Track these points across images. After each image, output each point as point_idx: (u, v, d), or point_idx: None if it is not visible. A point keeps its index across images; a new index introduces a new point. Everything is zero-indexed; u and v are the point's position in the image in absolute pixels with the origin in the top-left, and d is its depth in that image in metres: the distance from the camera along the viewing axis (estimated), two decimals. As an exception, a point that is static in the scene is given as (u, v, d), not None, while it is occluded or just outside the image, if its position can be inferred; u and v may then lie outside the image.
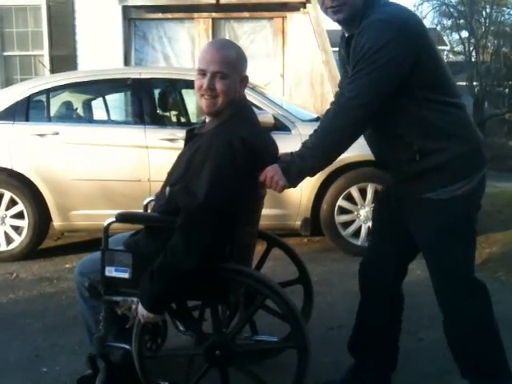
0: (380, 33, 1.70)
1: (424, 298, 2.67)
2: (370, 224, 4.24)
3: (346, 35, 1.89)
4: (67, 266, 4.19)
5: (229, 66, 1.90)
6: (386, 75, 1.72)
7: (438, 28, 17.84)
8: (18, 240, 4.36)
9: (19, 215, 4.35)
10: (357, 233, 4.37)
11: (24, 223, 4.35)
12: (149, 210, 2.39)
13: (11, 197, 4.33)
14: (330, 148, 1.82)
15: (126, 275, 1.94)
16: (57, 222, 4.38)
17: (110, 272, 1.95)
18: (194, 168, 1.86)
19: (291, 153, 1.89)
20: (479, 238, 4.78)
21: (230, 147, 1.80)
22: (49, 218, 4.39)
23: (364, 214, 4.32)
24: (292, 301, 1.92)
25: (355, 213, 4.35)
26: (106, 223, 1.98)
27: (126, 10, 7.75)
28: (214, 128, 1.92)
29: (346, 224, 4.37)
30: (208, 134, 1.92)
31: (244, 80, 1.99)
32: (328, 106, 2.14)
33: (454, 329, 1.96)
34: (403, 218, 1.98)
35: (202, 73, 1.90)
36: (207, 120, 2.02)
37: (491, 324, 1.95)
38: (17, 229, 4.38)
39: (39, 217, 4.35)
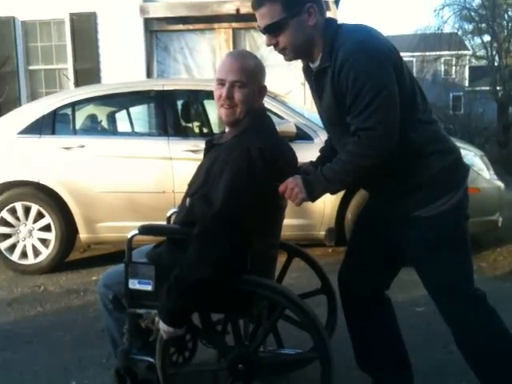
0: (368, 63, 1.67)
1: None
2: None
3: (314, 67, 1.86)
4: (94, 278, 4.22)
5: (247, 75, 1.92)
6: (394, 100, 1.70)
7: (460, 33, 17.66)
8: (45, 253, 4.42)
9: (46, 228, 4.41)
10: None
11: (51, 236, 4.41)
12: (172, 222, 2.40)
13: (38, 210, 4.39)
14: (358, 176, 1.79)
15: (149, 288, 1.95)
16: (83, 235, 4.43)
17: (134, 284, 1.96)
18: (213, 178, 1.87)
19: (318, 169, 1.85)
20: (507, 246, 4.72)
21: (248, 157, 1.81)
22: (75, 231, 4.44)
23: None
24: (312, 311, 1.90)
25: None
26: (129, 236, 1.99)
27: (148, 22, 7.86)
28: (233, 138, 1.93)
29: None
30: (226, 145, 1.93)
31: (263, 90, 2.00)
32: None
33: (467, 346, 1.91)
34: (387, 236, 1.95)
35: (221, 82, 1.92)
36: (226, 130, 2.03)
37: (504, 335, 1.88)
38: (44, 241, 4.44)
39: (66, 229, 4.41)
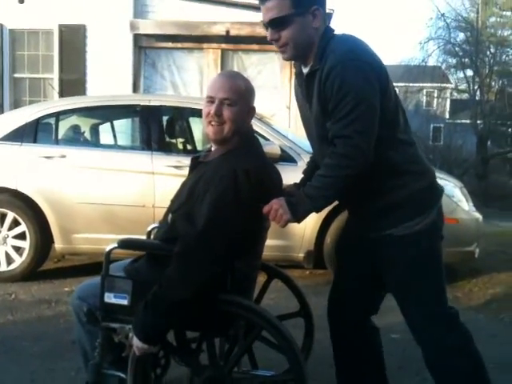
0: (355, 72, 1.69)
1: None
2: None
3: (304, 71, 1.88)
4: (66, 289, 4.15)
5: (237, 94, 1.92)
6: (375, 111, 1.72)
7: (443, 66, 18.06)
8: (18, 261, 4.34)
9: (21, 236, 4.34)
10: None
11: (25, 244, 4.33)
12: (152, 237, 2.38)
13: (14, 217, 4.32)
14: (339, 191, 1.80)
15: (125, 302, 1.91)
16: (58, 245, 4.37)
17: (110, 298, 1.92)
18: (197, 196, 1.86)
19: (300, 190, 1.86)
20: (483, 277, 4.77)
21: (234, 178, 1.80)
22: (50, 240, 4.38)
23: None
24: (289, 333, 1.88)
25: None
26: (107, 249, 1.97)
27: (137, 37, 7.89)
28: (219, 157, 1.93)
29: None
30: (213, 163, 1.92)
31: (251, 111, 2.01)
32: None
33: (439, 367, 1.91)
34: (366, 256, 1.97)
35: (211, 100, 1.93)
36: (213, 148, 2.03)
37: (474, 357, 1.89)
38: (18, 249, 4.36)
39: (41, 238, 4.34)
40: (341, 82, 1.70)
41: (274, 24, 1.79)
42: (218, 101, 1.91)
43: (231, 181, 1.80)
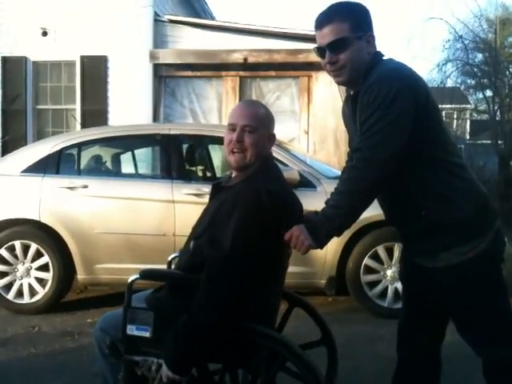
0: (389, 88, 1.73)
1: (455, 363, 2.57)
2: (396, 285, 4.16)
3: (351, 93, 1.93)
4: (89, 320, 4.16)
5: (257, 121, 1.96)
6: (398, 129, 1.73)
7: (462, 87, 17.98)
8: (41, 292, 4.37)
9: (44, 267, 4.37)
10: (383, 293, 4.26)
11: (48, 275, 4.36)
12: (172, 267, 2.38)
13: (37, 248, 4.36)
14: (354, 206, 1.80)
15: (147, 334, 1.90)
16: (81, 275, 4.39)
17: (132, 330, 1.91)
18: (220, 220, 1.86)
19: (316, 212, 1.87)
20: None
21: (257, 200, 1.82)
22: (73, 271, 4.40)
23: (391, 274, 4.23)
24: (314, 363, 1.85)
25: (382, 273, 4.26)
26: (129, 280, 1.97)
27: (157, 67, 8.03)
28: (241, 182, 1.94)
29: (373, 284, 4.27)
30: (235, 188, 1.94)
31: (271, 137, 2.04)
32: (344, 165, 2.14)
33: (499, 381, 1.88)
34: (424, 285, 1.94)
35: (232, 127, 1.96)
36: (233, 175, 2.04)
37: None
38: (41, 281, 4.39)
39: (64, 269, 4.36)
40: (373, 98, 1.74)
41: (334, 46, 1.83)
42: (240, 128, 1.94)
43: (255, 201, 1.82)
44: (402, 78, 1.77)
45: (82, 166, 4.69)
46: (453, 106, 18.34)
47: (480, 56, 15.57)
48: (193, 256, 1.95)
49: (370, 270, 4.26)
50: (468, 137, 23.81)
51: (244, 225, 1.79)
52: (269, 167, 2.00)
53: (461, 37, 14.53)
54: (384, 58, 1.90)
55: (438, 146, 1.82)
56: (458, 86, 17.31)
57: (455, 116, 20.39)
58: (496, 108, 14.98)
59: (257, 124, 1.95)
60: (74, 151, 4.62)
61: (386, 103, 1.72)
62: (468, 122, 22.26)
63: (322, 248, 1.86)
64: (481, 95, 17.29)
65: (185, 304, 1.80)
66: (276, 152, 4.22)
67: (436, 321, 2.03)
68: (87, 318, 4.24)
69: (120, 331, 1.93)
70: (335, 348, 2.33)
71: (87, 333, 3.79)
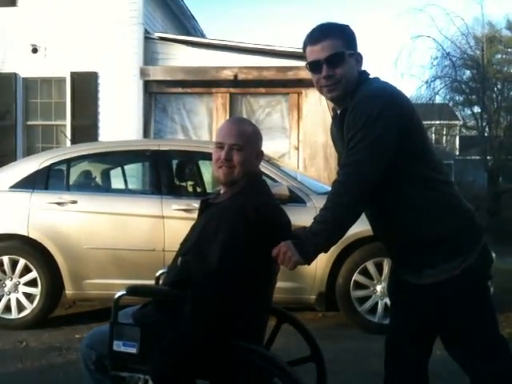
0: (373, 107, 1.76)
1: (443, 380, 2.56)
2: (386, 300, 4.16)
3: (338, 112, 1.96)
4: (77, 336, 4.12)
5: (245, 139, 1.98)
6: (382, 146, 1.76)
7: (451, 104, 18.17)
8: (29, 308, 4.33)
9: (32, 283, 4.34)
10: (373, 309, 4.26)
11: (36, 291, 4.33)
12: (161, 282, 2.37)
13: (25, 264, 4.33)
14: (340, 220, 1.82)
15: (133, 350, 1.89)
16: (69, 291, 4.36)
17: (118, 347, 1.91)
18: (207, 236, 1.87)
19: (304, 228, 1.88)
20: (499, 316, 4.65)
21: (244, 216, 1.83)
22: (61, 286, 4.37)
23: (380, 290, 4.23)
24: (302, 380, 1.84)
25: (371, 288, 4.26)
26: (116, 296, 1.96)
27: (148, 84, 8.07)
28: (229, 198, 1.95)
29: (362, 299, 4.27)
30: (222, 204, 1.95)
31: (259, 155, 2.06)
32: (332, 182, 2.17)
33: None
34: (410, 300, 1.95)
35: (220, 146, 1.98)
36: (222, 191, 2.05)
37: None
38: (29, 296, 4.36)
39: (52, 285, 4.33)
40: (359, 117, 1.78)
41: (332, 61, 1.86)
42: (228, 147, 1.95)
43: (241, 218, 1.83)
44: (385, 98, 1.80)
45: (71, 182, 4.68)
46: (442, 122, 18.53)
47: (468, 73, 15.78)
48: (180, 272, 1.95)
49: (359, 286, 4.26)
50: (457, 153, 24.00)
51: (231, 240, 1.80)
52: (256, 183, 2.02)
53: (448, 54, 14.73)
54: (370, 76, 1.94)
55: (422, 163, 1.84)
56: (447, 102, 17.50)
57: (444, 132, 20.59)
58: (484, 124, 15.14)
59: (244, 142, 1.97)
60: (64, 167, 4.61)
61: (369, 122, 1.75)
62: (457, 138, 22.47)
63: (309, 264, 1.86)
64: (469, 111, 17.48)
65: (171, 320, 1.80)
66: (266, 168, 4.25)
67: (423, 336, 2.03)
68: (75, 333, 4.20)
69: (106, 347, 1.92)
70: (324, 364, 2.32)
71: (75, 348, 3.75)
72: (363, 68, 1.95)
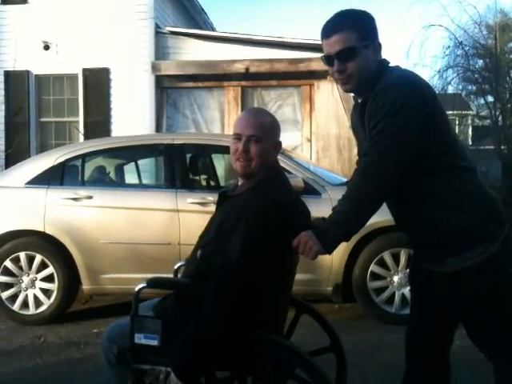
0: (396, 96, 1.74)
1: (465, 368, 2.54)
2: (403, 291, 4.14)
3: (359, 101, 1.93)
4: (95, 330, 4.14)
5: (263, 130, 1.96)
6: (405, 136, 1.74)
7: (463, 93, 17.98)
8: (46, 303, 4.36)
9: (49, 278, 4.37)
10: (390, 300, 4.23)
11: (54, 286, 4.36)
12: (179, 275, 2.37)
13: (42, 260, 4.36)
14: (361, 210, 1.80)
15: (155, 343, 1.90)
16: (86, 286, 4.38)
17: (140, 339, 1.91)
18: (227, 229, 1.86)
19: (323, 219, 1.87)
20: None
21: (263, 210, 1.82)
22: (78, 282, 4.40)
23: (397, 281, 4.21)
24: (324, 371, 1.83)
25: (388, 279, 4.24)
26: (136, 288, 1.96)
27: (159, 79, 8.07)
28: (248, 190, 1.94)
29: (379, 290, 4.25)
30: (241, 196, 1.94)
31: (277, 146, 2.04)
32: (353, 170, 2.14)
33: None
34: (433, 291, 1.93)
35: (238, 137, 1.96)
36: (239, 183, 2.04)
37: None
38: (46, 292, 4.39)
39: (69, 280, 4.36)
40: (382, 105, 1.75)
41: (342, 55, 1.83)
42: (245, 138, 1.94)
43: (261, 212, 1.82)
44: (409, 86, 1.77)
45: (85, 177, 4.70)
46: (454, 112, 18.34)
47: (480, 62, 15.58)
48: (200, 264, 1.94)
49: (376, 277, 4.24)
50: (470, 143, 23.80)
51: (250, 235, 1.79)
52: (275, 175, 2.01)
53: (461, 43, 14.54)
54: (390, 65, 1.91)
55: (446, 151, 1.82)
56: (460, 92, 17.30)
57: (457, 122, 20.40)
58: (498, 113, 14.97)
59: (263, 133, 1.95)
60: (78, 162, 4.63)
61: (392, 111, 1.73)
62: (470, 127, 22.26)
63: (330, 253, 1.85)
64: (482, 101, 17.26)
65: (192, 312, 1.79)
66: (280, 160, 4.19)
67: (445, 327, 2.01)
68: (93, 328, 4.23)
69: (127, 340, 1.92)
70: (344, 354, 2.31)
71: (93, 343, 3.78)
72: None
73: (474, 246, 1.79)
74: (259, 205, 1.83)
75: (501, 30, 15.17)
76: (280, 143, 2.05)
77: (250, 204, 1.85)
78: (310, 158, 7.52)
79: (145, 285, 1.94)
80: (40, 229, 4.36)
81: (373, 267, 4.21)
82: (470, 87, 17.40)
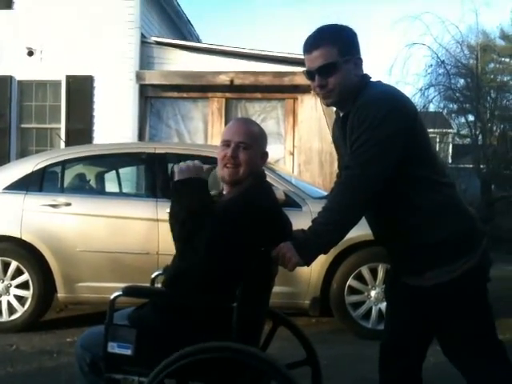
0: (378, 110, 1.76)
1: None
2: (380, 306, 4.15)
3: (341, 115, 1.95)
4: (68, 339, 4.08)
5: (252, 138, 1.99)
6: (387, 149, 1.76)
7: (445, 112, 18.23)
8: (20, 311, 4.29)
9: (24, 285, 4.30)
10: (367, 314, 4.24)
11: (28, 294, 4.29)
12: (157, 284, 2.35)
13: (17, 266, 4.29)
14: (342, 221, 1.81)
15: (128, 352, 1.87)
16: (61, 294, 4.32)
17: (113, 348, 1.88)
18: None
19: (303, 230, 1.88)
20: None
21: (247, 214, 1.83)
22: (53, 289, 4.33)
23: (375, 295, 4.23)
24: (299, 382, 1.82)
25: (366, 293, 4.25)
26: (112, 296, 1.94)
27: (143, 88, 8.06)
28: (234, 197, 1.95)
29: (357, 305, 4.26)
30: (227, 203, 1.94)
31: (264, 156, 2.07)
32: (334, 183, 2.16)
33: None
34: (408, 303, 1.94)
35: (227, 143, 1.98)
36: (225, 191, 2.05)
37: None
38: (20, 299, 4.32)
39: (44, 287, 4.29)
40: (363, 119, 1.77)
41: (323, 70, 1.85)
42: (234, 144, 1.96)
43: (243, 216, 1.83)
44: (391, 100, 1.80)
45: (65, 184, 4.65)
46: (435, 130, 18.58)
47: (462, 81, 15.84)
48: (173, 272, 1.94)
49: (354, 291, 4.25)
50: (450, 160, 24.09)
51: (225, 236, 1.80)
52: (261, 184, 2.02)
53: (443, 62, 14.78)
54: (371, 80, 1.93)
55: (427, 166, 1.84)
56: (441, 110, 17.55)
57: (438, 140, 20.65)
58: (478, 132, 15.21)
59: (251, 141, 1.98)
60: (58, 169, 4.58)
61: (374, 124, 1.75)
62: (450, 146, 22.55)
63: (308, 265, 1.85)
64: (463, 120, 17.53)
65: (167, 320, 1.78)
66: (261, 172, 4.23)
67: (419, 341, 2.02)
68: (67, 337, 4.16)
69: (101, 348, 1.90)
70: (320, 368, 2.31)
71: (67, 352, 3.72)
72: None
73: (454, 259, 1.80)
74: (243, 208, 1.84)
75: (482, 50, 15.47)
76: (267, 153, 2.08)
77: (233, 208, 1.86)
78: (292, 171, 7.55)
79: (120, 293, 1.92)
80: (16, 235, 4.30)
81: (351, 281, 4.22)
82: (451, 106, 17.65)
